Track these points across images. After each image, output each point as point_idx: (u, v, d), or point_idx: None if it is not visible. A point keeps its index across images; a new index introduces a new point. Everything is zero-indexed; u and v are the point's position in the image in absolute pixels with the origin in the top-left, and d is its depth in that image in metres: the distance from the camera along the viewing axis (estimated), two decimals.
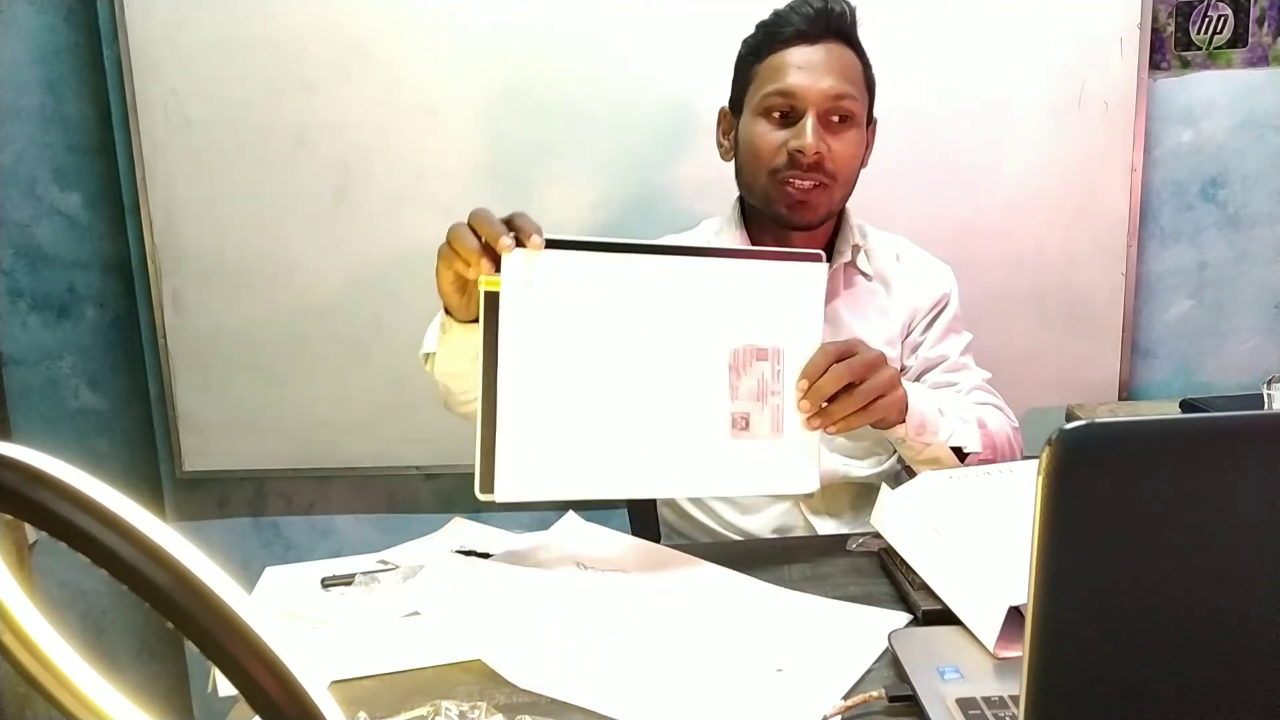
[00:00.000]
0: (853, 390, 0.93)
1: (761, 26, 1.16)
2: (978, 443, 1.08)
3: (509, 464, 0.88)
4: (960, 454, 1.07)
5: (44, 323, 1.78)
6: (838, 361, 0.93)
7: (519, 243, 0.86)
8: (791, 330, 0.93)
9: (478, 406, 0.89)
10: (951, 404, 1.09)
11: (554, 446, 0.89)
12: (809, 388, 0.93)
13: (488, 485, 0.88)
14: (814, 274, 0.94)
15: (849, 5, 1.14)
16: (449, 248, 0.88)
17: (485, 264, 0.86)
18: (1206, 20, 1.66)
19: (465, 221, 0.88)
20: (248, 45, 1.66)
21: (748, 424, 0.92)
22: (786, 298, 0.93)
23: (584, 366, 0.89)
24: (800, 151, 1.09)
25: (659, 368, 0.90)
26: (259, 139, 1.69)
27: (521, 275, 0.86)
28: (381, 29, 1.65)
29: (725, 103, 1.23)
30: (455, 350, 0.99)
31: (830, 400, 0.94)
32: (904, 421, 1.02)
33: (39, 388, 1.78)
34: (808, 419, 0.94)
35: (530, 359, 0.88)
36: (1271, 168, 1.70)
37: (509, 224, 0.88)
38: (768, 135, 1.13)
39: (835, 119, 1.12)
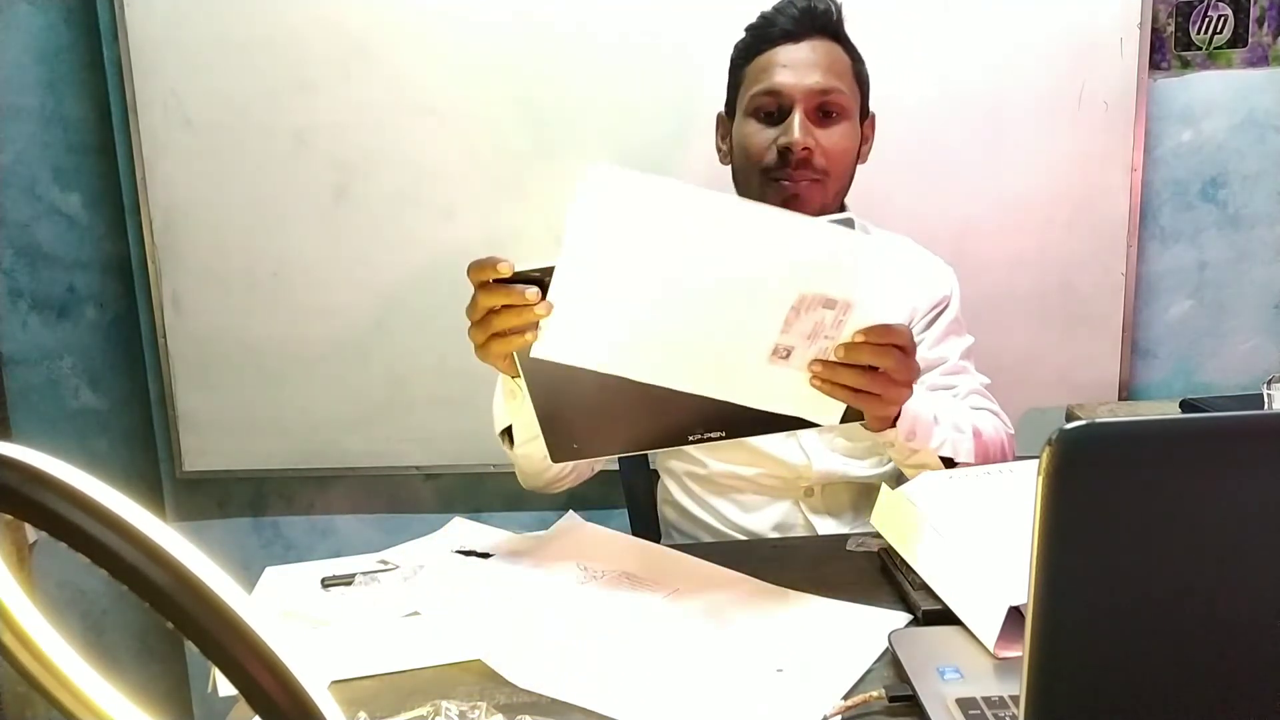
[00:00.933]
0: (874, 375, 0.90)
1: (749, 29, 1.17)
2: (970, 453, 1.06)
3: (552, 327, 0.86)
4: (949, 463, 1.05)
5: (44, 323, 1.77)
6: (898, 348, 0.89)
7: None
8: (868, 293, 0.87)
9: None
10: (948, 411, 1.08)
11: (598, 321, 0.87)
12: (860, 343, 0.88)
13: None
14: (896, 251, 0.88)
15: (834, 2, 1.14)
16: (486, 323, 0.86)
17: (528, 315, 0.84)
18: (1206, 20, 1.66)
19: (476, 298, 0.86)
20: (248, 45, 1.65)
21: (789, 355, 0.88)
22: (869, 267, 0.87)
23: (647, 271, 0.85)
24: (788, 148, 1.10)
25: (722, 287, 0.85)
26: (259, 139, 1.68)
27: (597, 194, 0.81)
28: (382, 29, 1.64)
29: (722, 107, 1.23)
30: (530, 413, 0.94)
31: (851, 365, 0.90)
32: (894, 427, 1.00)
33: (39, 388, 1.78)
34: (818, 361, 0.88)
35: (593, 263, 0.84)
36: (1271, 168, 1.70)
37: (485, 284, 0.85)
38: (757, 135, 1.13)
39: (823, 114, 1.12)
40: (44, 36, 1.71)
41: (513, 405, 1.02)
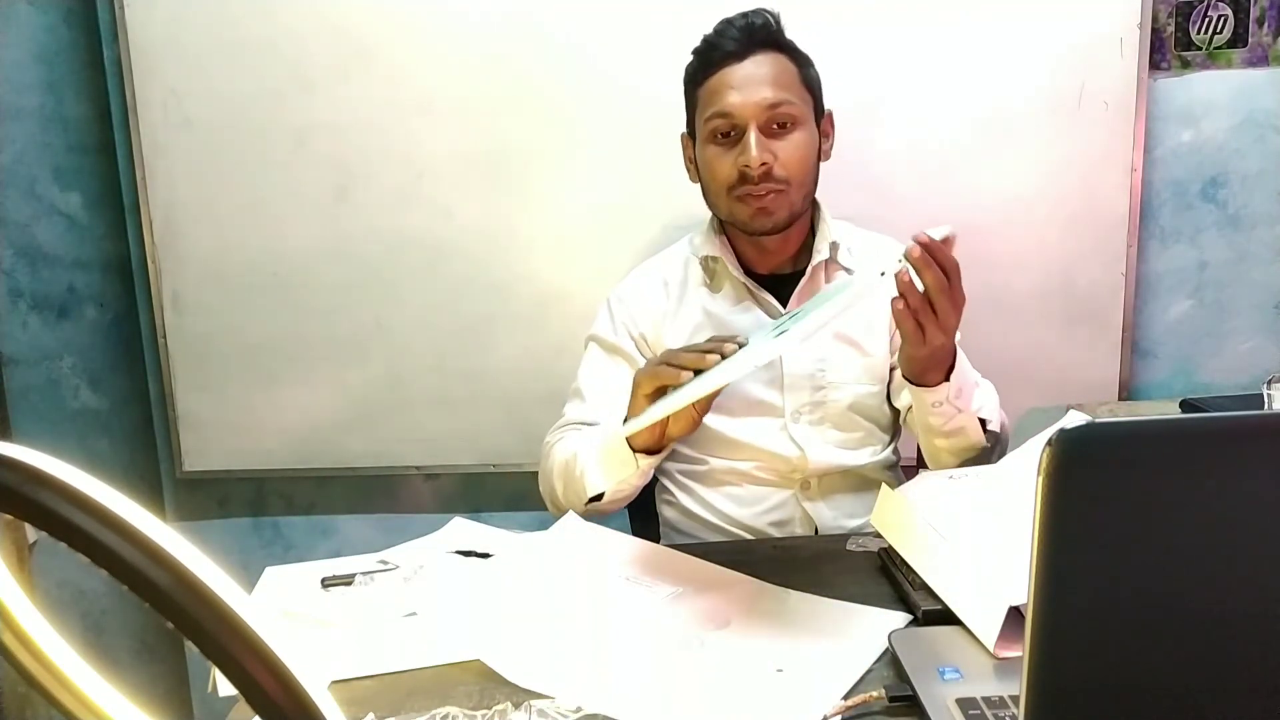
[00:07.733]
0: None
1: (695, 53, 1.19)
2: (997, 414, 1.12)
3: None
4: (983, 427, 1.10)
5: (44, 323, 1.77)
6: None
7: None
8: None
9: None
10: (979, 378, 1.13)
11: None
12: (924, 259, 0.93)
13: None
14: None
15: (771, 14, 1.16)
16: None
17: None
18: (1206, 20, 1.66)
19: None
20: (248, 45, 1.65)
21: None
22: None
23: None
24: (747, 167, 1.13)
25: None
26: (259, 139, 1.68)
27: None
28: (381, 29, 1.64)
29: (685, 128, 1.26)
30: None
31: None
32: (948, 380, 1.03)
33: (39, 388, 1.77)
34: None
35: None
36: (1271, 168, 1.69)
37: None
38: (718, 158, 1.17)
39: (777, 126, 1.14)
40: (44, 36, 1.71)
41: (621, 474, 1.09)
